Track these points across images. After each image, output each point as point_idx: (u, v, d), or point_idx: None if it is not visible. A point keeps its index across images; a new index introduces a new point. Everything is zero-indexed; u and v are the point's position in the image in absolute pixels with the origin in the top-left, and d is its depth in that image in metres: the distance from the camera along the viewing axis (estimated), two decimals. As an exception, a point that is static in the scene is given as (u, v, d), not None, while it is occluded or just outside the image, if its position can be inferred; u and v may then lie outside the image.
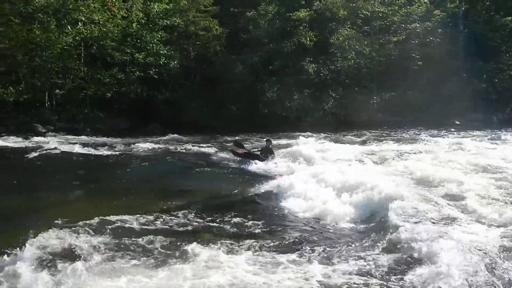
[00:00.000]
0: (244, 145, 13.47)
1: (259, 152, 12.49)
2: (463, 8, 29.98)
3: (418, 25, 28.05)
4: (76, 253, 4.72)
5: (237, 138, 16.64)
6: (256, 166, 11.52)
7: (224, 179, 10.31)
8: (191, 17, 26.43)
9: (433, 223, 5.56)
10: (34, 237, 4.90)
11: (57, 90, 22.64)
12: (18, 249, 4.66)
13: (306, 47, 25.65)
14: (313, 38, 25.75)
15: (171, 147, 15.49)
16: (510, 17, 28.02)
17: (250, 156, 12.23)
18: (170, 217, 6.28)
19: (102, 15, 23.19)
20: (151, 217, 6.16)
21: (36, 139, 17.82)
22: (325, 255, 4.95)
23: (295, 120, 24.40)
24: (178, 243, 5.21)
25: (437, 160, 10.57)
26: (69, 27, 22.37)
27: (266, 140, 13.14)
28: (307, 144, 14.49)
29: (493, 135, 17.61)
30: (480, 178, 8.26)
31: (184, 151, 14.76)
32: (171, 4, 25.84)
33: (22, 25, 21.42)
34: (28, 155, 13.16)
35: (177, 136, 19.23)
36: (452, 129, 21.32)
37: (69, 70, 23.24)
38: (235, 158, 12.55)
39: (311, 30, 26.07)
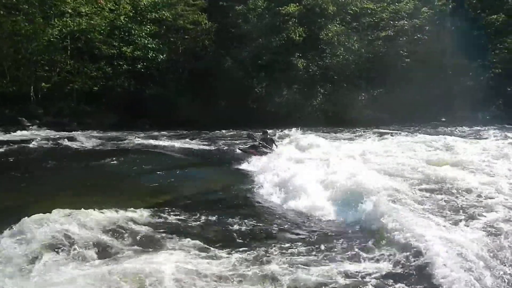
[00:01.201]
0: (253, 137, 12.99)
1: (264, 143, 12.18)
2: (450, 6, 30.26)
3: (406, 22, 28.27)
4: (56, 247, 4.67)
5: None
6: (248, 161, 11.44)
7: (213, 174, 10.31)
8: (179, 11, 26.24)
9: (429, 220, 5.54)
10: (14, 229, 4.84)
11: (43, 83, 22.30)
12: None
13: (295, 43, 25.67)
14: (302, 34, 25.76)
15: (160, 143, 15.38)
16: (496, 16, 28.40)
17: (261, 151, 11.86)
18: (157, 213, 6.23)
19: (89, 8, 22.87)
20: (137, 212, 6.09)
21: (21, 133, 17.56)
22: (315, 251, 4.97)
23: (284, 116, 24.40)
24: (165, 239, 5.19)
25: (426, 157, 10.63)
26: (55, 20, 22.01)
27: (263, 132, 12.79)
28: (295, 140, 14.46)
29: (477, 132, 17.85)
30: (468, 174, 8.32)
31: (172, 146, 14.65)
32: (159, -3, 25.64)
33: (7, 17, 21.00)
34: (13, 150, 12.96)
35: (166, 132, 19.12)
36: (439, 126, 21.53)
37: (55, 63, 22.95)
38: (248, 156, 11.86)
39: (300, 26, 26.08)
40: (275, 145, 12.38)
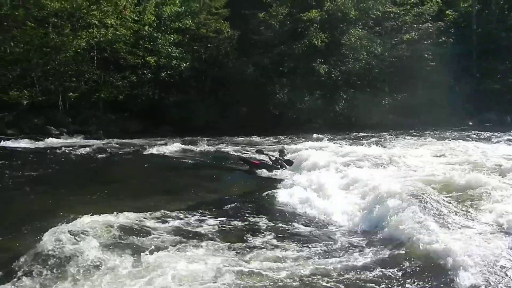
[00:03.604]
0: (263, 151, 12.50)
1: (272, 162, 11.47)
2: (476, 7, 29.63)
3: (430, 25, 27.79)
4: (86, 253, 4.78)
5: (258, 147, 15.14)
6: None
7: (233, 180, 10.34)
8: (202, 20, 26.65)
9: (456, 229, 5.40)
10: (45, 238, 4.98)
11: (71, 93, 22.97)
12: (30, 249, 4.74)
13: (317, 48, 25.62)
14: (324, 39, 25.69)
15: (181, 149, 15.58)
16: (525, 16, 27.62)
17: (265, 166, 11.24)
18: (180, 217, 6.33)
19: (114, 19, 23.48)
20: (161, 217, 6.22)
21: (49, 141, 18.11)
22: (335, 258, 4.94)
23: (305, 122, 24.38)
24: (186, 244, 5.26)
25: (451, 162, 10.35)
26: (82, 31, 22.70)
27: (279, 151, 11.98)
28: (318, 146, 14.36)
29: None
30: (496, 180, 7.98)
31: (194, 153, 14.83)
32: (182, 7, 26.07)
33: (37, 29, 21.79)
34: (41, 157, 13.38)
35: (188, 138, 19.31)
36: (465, 131, 20.92)
37: (82, 73, 23.59)
38: (247, 167, 11.55)
39: (322, 31, 26.03)
40: (285, 166, 11.43)
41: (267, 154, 11.93)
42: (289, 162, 11.56)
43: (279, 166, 11.33)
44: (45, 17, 22.18)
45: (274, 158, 11.60)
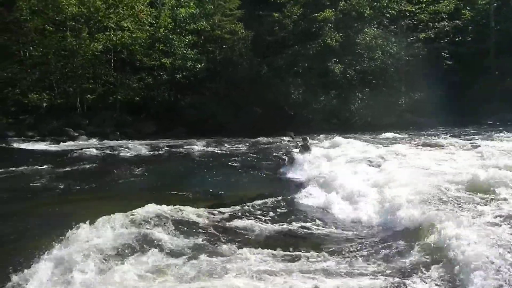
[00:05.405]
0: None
1: (297, 150, 12.37)
2: (494, 5, 29.14)
3: (446, 23, 27.45)
4: (105, 254, 4.82)
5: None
6: (285, 168, 11.45)
7: (252, 181, 10.34)
8: (217, 21, 26.77)
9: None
10: (63, 239, 5.04)
11: (88, 95, 23.28)
12: (45, 252, 4.78)
13: (331, 48, 25.48)
14: (338, 39, 25.54)
15: (196, 150, 15.64)
16: (544, 13, 27.08)
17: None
18: (197, 219, 6.33)
19: (131, 23, 23.74)
20: (181, 220, 6.23)
21: (67, 143, 18.37)
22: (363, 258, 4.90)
23: (320, 122, 24.26)
24: (207, 246, 5.27)
25: (471, 162, 10.16)
26: (100, 35, 23.00)
27: (303, 139, 12.88)
28: (335, 144, 14.30)
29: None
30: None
31: (209, 153, 14.87)
32: (197, 9, 26.25)
33: (55, 33, 22.15)
34: (59, 158, 13.58)
35: (202, 139, 19.40)
36: (484, 130, 20.51)
37: (100, 76, 23.90)
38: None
39: (336, 31, 25.89)
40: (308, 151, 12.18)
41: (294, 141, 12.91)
42: (307, 148, 12.11)
43: (304, 152, 11.83)
44: (63, 21, 22.53)
45: (300, 145, 12.41)
